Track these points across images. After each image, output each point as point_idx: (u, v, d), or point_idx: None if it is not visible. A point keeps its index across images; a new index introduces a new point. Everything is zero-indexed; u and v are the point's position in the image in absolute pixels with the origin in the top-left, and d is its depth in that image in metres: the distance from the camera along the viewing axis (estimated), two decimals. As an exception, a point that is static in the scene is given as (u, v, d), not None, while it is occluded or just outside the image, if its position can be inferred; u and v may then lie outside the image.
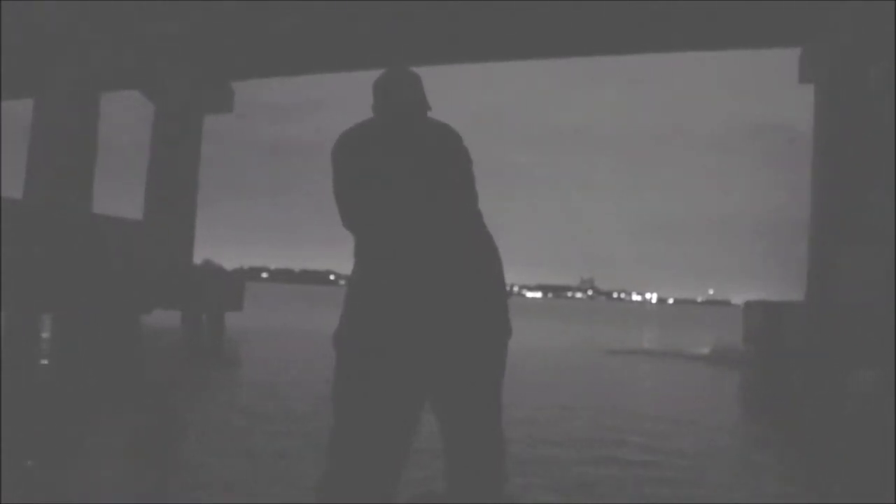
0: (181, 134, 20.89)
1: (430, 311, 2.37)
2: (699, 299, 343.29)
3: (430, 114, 2.63)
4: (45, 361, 11.36)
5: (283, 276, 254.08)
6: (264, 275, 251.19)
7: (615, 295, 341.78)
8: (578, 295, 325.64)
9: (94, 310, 15.09)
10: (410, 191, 2.43)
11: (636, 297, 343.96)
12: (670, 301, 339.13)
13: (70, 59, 16.97)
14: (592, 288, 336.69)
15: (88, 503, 4.46)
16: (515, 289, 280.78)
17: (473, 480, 2.43)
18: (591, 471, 5.78)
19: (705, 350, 20.19)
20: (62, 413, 7.29)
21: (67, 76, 17.05)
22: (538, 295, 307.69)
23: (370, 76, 2.79)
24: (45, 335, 14.48)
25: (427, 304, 2.37)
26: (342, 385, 2.42)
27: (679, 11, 16.32)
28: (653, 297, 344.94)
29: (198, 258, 22.20)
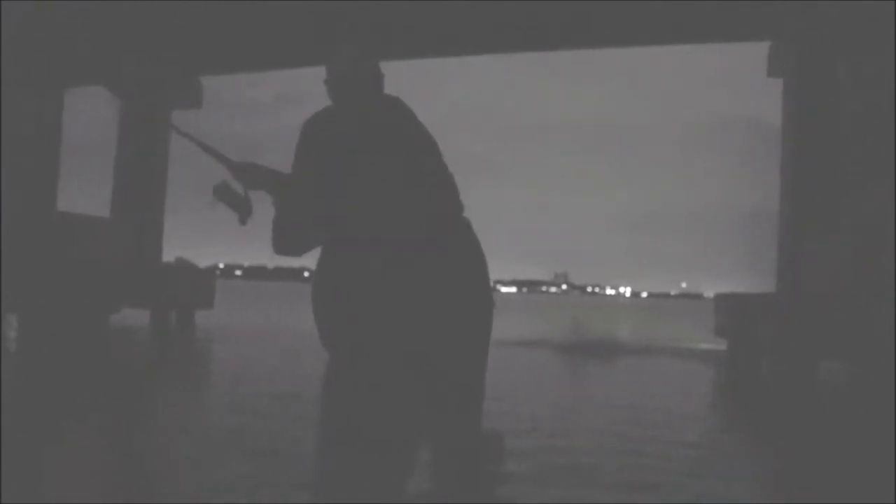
0: (148, 129, 20.61)
1: (426, 301, 2.29)
2: (672, 293, 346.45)
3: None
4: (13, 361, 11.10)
5: (256, 273, 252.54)
6: (238, 272, 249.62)
7: (589, 289, 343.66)
8: (553, 289, 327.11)
9: (61, 309, 14.82)
10: (383, 177, 2.35)
11: (610, 291, 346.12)
12: (644, 295, 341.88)
13: (33, 53, 16.63)
14: (566, 282, 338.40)
15: (87, 503, 4.36)
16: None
17: (461, 477, 2.35)
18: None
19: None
20: (35, 416, 7.09)
21: (30, 70, 16.71)
22: (513, 290, 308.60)
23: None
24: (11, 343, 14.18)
25: (421, 296, 2.28)
26: (344, 385, 2.29)
27: (647, 5, 16.36)
28: (626, 291, 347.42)
29: (172, 256, 21.93)
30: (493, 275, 2.49)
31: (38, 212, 15.98)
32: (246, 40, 19.20)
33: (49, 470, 5.01)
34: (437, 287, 2.32)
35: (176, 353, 15.23)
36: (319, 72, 2.61)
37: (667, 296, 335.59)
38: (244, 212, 2.51)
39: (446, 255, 2.36)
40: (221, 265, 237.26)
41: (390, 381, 2.26)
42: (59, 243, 15.23)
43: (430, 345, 2.31)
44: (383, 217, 2.33)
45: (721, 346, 16.37)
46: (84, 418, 7.21)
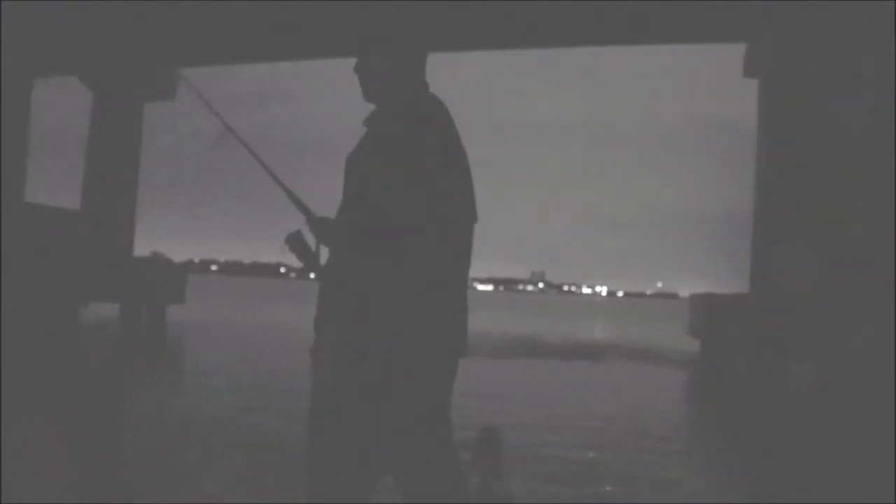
0: (120, 121, 20.32)
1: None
2: (648, 292, 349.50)
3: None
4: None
5: (232, 268, 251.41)
6: (214, 267, 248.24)
7: (566, 288, 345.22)
8: (529, 288, 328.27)
9: (30, 303, 14.55)
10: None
11: (586, 291, 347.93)
12: (620, 294, 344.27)
13: (2, 42, 16.31)
14: (543, 281, 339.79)
15: (90, 503, 4.23)
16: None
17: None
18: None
19: None
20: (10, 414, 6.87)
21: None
22: (489, 288, 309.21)
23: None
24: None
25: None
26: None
27: (624, 6, 16.36)
28: (602, 290, 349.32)
29: (149, 251, 21.69)
30: (470, 272, 2.37)
31: (5, 203, 15.67)
32: (223, 33, 18.97)
33: (42, 470, 4.83)
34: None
35: (144, 349, 14.98)
36: (302, 66, 2.41)
37: (642, 295, 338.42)
38: (311, 266, 2.35)
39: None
40: (197, 260, 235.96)
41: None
42: (26, 235, 14.96)
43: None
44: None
45: (694, 346, 16.43)
46: (60, 417, 7.02)
